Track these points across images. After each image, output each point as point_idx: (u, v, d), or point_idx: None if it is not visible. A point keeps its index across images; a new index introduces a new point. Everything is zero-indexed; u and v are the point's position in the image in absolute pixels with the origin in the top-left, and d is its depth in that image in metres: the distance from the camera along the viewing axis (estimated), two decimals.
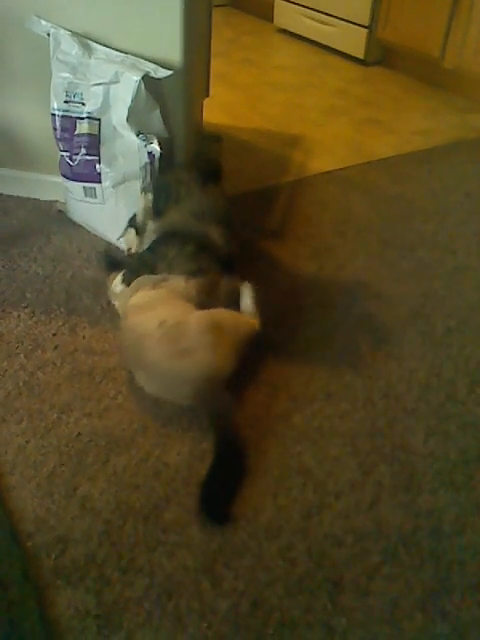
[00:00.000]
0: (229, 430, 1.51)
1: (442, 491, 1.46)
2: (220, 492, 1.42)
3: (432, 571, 1.31)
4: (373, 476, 1.48)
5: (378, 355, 1.81)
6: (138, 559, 1.28)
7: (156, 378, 1.56)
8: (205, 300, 1.68)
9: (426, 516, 1.41)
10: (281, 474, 1.47)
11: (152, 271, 1.78)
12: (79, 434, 1.51)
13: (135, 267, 1.83)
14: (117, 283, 1.82)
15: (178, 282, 1.70)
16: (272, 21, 4.45)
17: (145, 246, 1.89)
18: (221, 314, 1.63)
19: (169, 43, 1.93)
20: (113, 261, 1.89)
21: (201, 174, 1.99)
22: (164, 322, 1.56)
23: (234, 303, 1.74)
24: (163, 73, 1.86)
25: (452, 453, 1.55)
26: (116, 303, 1.84)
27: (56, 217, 2.26)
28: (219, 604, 1.22)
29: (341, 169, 2.78)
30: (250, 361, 1.62)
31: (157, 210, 1.94)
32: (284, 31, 4.39)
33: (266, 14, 4.51)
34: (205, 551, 1.30)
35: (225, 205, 1.97)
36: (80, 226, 2.21)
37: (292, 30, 4.33)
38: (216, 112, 3.06)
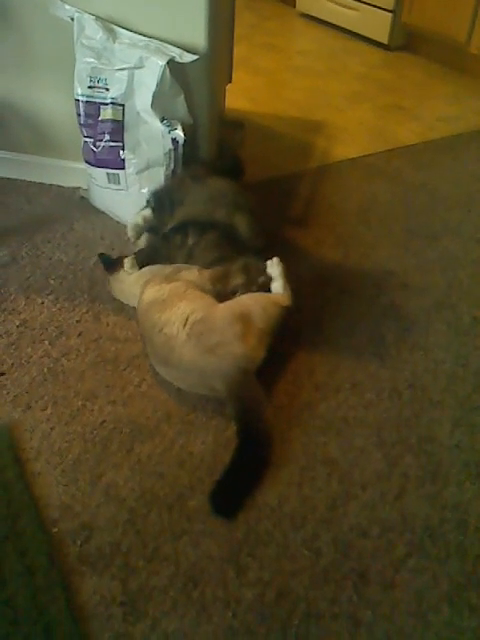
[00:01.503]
0: (259, 421, 1.49)
1: (468, 483, 1.45)
2: (234, 486, 1.41)
3: (458, 564, 1.30)
4: (399, 467, 1.47)
5: (404, 345, 1.79)
6: (163, 547, 1.28)
7: (189, 376, 1.54)
8: (220, 290, 1.66)
9: (452, 509, 1.40)
10: (306, 464, 1.46)
11: (167, 260, 1.77)
12: (103, 422, 1.51)
13: (148, 252, 1.81)
14: (128, 266, 1.79)
15: (191, 273, 1.69)
16: (294, 6, 4.39)
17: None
18: (246, 301, 1.61)
19: (194, 27, 1.91)
20: (112, 261, 1.84)
21: (218, 168, 1.97)
22: (188, 319, 1.53)
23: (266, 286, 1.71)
24: (188, 58, 1.84)
25: (478, 445, 1.53)
26: (120, 292, 1.82)
27: (79, 204, 2.25)
28: (244, 593, 1.22)
29: (364, 156, 2.75)
30: (276, 349, 1.60)
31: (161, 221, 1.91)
32: (306, 16, 4.33)
33: None
34: (230, 540, 1.30)
35: (245, 192, 1.95)
36: (103, 213, 2.21)
37: (315, 14, 4.27)
38: (238, 98, 3.03)
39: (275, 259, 1.72)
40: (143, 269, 1.77)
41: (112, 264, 1.82)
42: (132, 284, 1.75)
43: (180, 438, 1.49)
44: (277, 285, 1.68)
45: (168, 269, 1.71)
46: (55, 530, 1.29)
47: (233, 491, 1.40)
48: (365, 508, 1.38)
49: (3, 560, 1.22)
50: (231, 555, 1.28)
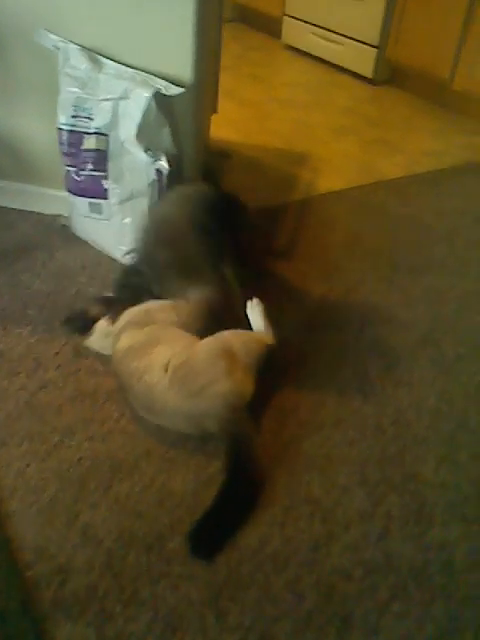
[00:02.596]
0: (250, 460, 1.46)
1: (453, 524, 1.42)
2: (215, 526, 1.36)
3: (443, 608, 1.27)
4: (382, 507, 1.44)
5: (388, 381, 1.77)
6: (141, 591, 1.23)
7: (176, 420, 1.50)
8: (205, 324, 1.63)
9: (437, 550, 1.37)
10: (289, 503, 1.43)
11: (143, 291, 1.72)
12: (81, 458, 1.47)
13: (126, 297, 1.74)
14: (102, 328, 1.71)
15: (165, 312, 1.64)
16: (280, 37, 4.45)
17: None
18: (226, 337, 1.58)
19: (180, 60, 1.91)
20: (81, 321, 1.76)
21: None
22: (169, 363, 1.49)
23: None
24: (174, 91, 1.84)
25: (464, 484, 1.51)
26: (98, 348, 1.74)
27: (60, 232, 2.23)
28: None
29: (350, 189, 2.76)
30: (259, 385, 1.58)
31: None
32: (292, 48, 4.38)
33: (274, 30, 4.51)
34: (210, 583, 1.26)
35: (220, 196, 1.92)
36: (84, 242, 2.18)
37: (300, 47, 4.33)
38: (223, 128, 3.04)
39: (255, 300, 1.70)
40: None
41: (81, 325, 1.75)
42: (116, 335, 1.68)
43: (160, 476, 1.45)
44: (258, 326, 1.67)
45: (139, 314, 1.66)
46: (29, 574, 1.24)
47: (214, 532, 1.36)
48: (348, 549, 1.35)
49: None
50: (211, 599, 1.23)
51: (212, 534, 1.36)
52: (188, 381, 1.47)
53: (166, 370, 1.48)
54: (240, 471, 1.42)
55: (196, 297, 1.67)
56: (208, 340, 1.56)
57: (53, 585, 1.23)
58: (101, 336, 1.71)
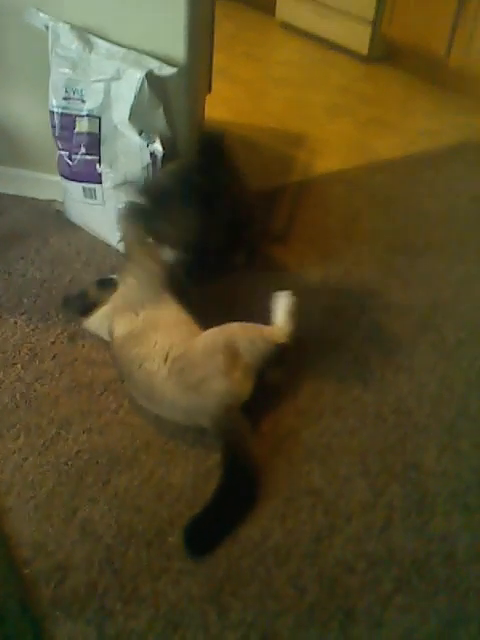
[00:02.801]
0: (246, 458, 1.43)
1: (456, 514, 1.41)
2: (212, 524, 1.35)
3: (447, 600, 1.26)
4: (384, 497, 1.43)
5: (388, 368, 1.75)
6: (141, 588, 1.22)
7: (173, 412, 1.48)
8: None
9: (440, 541, 1.35)
10: (290, 495, 1.41)
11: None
12: (79, 451, 1.45)
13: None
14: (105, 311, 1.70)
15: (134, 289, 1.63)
16: (274, 14, 4.36)
17: None
18: (233, 330, 1.53)
19: (173, 38, 1.85)
20: (80, 303, 1.75)
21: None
22: (168, 354, 1.47)
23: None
24: (168, 71, 1.78)
25: (465, 473, 1.50)
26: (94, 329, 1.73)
27: (54, 217, 2.18)
28: (227, 636, 1.17)
29: (346, 170, 2.72)
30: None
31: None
32: (286, 26, 4.30)
33: (268, 7, 4.42)
34: (211, 578, 1.25)
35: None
36: (79, 227, 2.14)
37: (294, 24, 4.24)
38: (218, 108, 2.98)
39: (288, 292, 1.62)
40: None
41: (83, 308, 1.73)
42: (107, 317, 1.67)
43: (159, 468, 1.43)
44: (279, 319, 1.59)
45: (120, 299, 1.64)
46: (27, 571, 1.22)
47: (210, 529, 1.34)
48: (350, 541, 1.33)
49: None
50: (213, 595, 1.22)
51: (208, 531, 1.34)
52: (185, 374, 1.45)
53: (165, 360, 1.45)
54: (235, 471, 1.40)
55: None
56: (212, 331, 1.53)
57: (52, 582, 1.21)
58: (103, 318, 1.68)
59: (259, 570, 1.27)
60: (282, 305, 1.60)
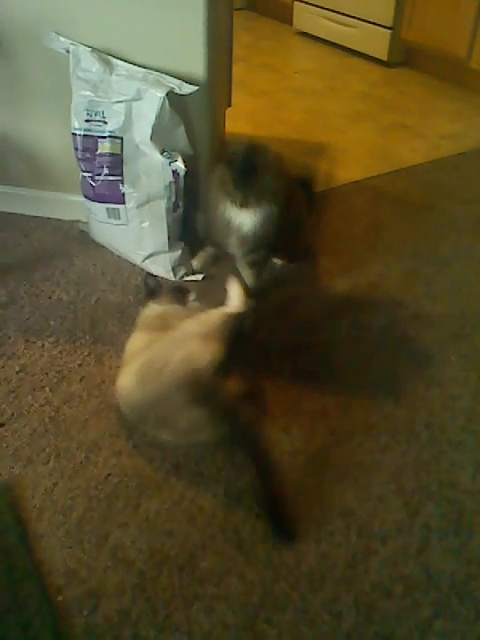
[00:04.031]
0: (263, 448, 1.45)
1: None
2: (280, 506, 1.37)
3: None
4: (420, 517, 1.39)
5: (419, 381, 1.72)
6: (174, 615, 1.20)
7: (159, 426, 1.48)
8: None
9: (479, 563, 1.32)
10: (323, 516, 1.38)
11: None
12: (108, 475, 1.44)
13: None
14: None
15: (181, 319, 1.61)
16: (291, 24, 4.36)
17: None
18: (185, 325, 1.55)
19: (193, 57, 1.86)
20: (156, 288, 1.76)
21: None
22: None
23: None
24: (188, 89, 1.78)
25: None
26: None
27: (78, 238, 2.19)
28: None
29: (369, 178, 2.69)
30: (288, 390, 1.53)
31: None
32: (304, 34, 4.29)
33: (285, 17, 4.42)
34: (245, 605, 1.22)
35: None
36: (103, 247, 2.14)
37: (312, 33, 4.24)
38: (238, 121, 2.97)
39: (233, 280, 1.72)
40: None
41: (153, 292, 1.75)
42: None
43: (189, 491, 1.42)
44: (232, 296, 1.67)
45: (153, 317, 1.67)
46: (60, 598, 1.22)
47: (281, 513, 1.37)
48: (387, 564, 1.31)
49: (4, 635, 1.15)
50: (247, 622, 1.20)
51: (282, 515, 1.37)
52: (146, 372, 1.46)
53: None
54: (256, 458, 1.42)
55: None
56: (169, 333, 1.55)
57: (85, 610, 1.20)
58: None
59: (293, 596, 1.24)
60: (233, 288, 1.69)
